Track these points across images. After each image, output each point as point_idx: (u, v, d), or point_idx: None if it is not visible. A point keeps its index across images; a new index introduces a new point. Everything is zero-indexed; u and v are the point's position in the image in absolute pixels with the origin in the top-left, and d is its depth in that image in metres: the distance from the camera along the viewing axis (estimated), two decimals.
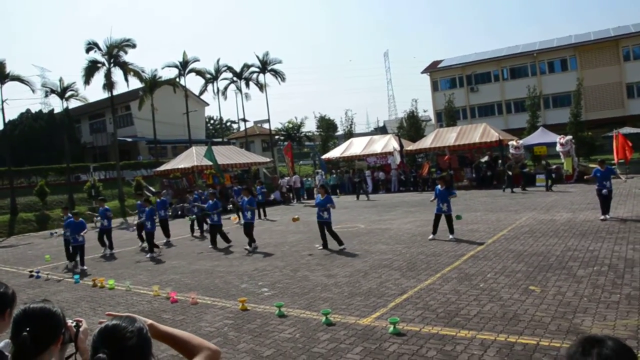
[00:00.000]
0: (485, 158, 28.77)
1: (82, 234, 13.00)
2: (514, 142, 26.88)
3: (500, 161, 27.53)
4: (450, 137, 29.91)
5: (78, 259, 13.22)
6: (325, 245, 12.27)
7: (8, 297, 2.24)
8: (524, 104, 39.90)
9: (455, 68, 50.79)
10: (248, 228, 13.50)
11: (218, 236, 14.42)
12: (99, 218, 16.14)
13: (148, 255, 13.71)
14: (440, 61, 53.90)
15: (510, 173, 23.52)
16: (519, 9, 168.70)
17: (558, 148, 25.70)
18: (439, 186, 12.71)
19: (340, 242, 12.00)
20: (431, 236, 12.38)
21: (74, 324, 2.05)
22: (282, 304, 7.32)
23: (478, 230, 13.10)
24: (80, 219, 13.54)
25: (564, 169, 25.74)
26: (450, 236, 12.10)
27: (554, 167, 25.63)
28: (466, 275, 8.39)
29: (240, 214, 17.71)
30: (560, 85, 44.35)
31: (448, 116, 41.31)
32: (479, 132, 28.94)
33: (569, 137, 26.13)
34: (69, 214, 14.18)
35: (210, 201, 15.01)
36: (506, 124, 45.14)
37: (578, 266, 8.32)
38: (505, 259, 9.40)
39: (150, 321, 1.85)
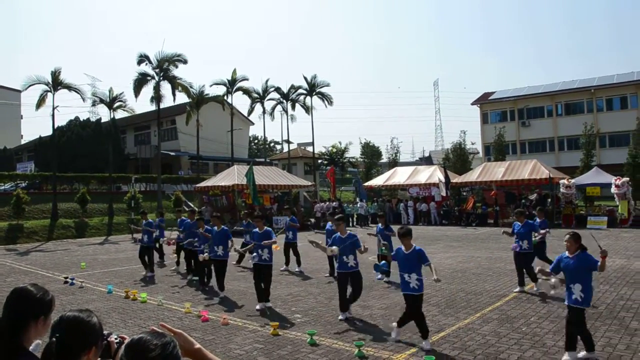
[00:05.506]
0: (534, 195, 27.83)
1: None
2: (565, 181, 25.98)
3: (549, 200, 26.61)
4: (498, 171, 29.25)
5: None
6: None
7: (44, 303, 2.23)
8: (578, 142, 38.61)
9: (506, 101, 49.85)
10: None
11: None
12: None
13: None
14: (492, 93, 53.07)
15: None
16: (576, 42, 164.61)
17: (613, 190, 24.52)
18: (380, 224, 12.02)
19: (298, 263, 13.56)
20: (380, 276, 11.50)
21: (118, 340, 2.02)
22: (314, 332, 7.18)
23: None
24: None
25: (619, 212, 24.52)
26: (381, 277, 11.45)
27: (607, 209, 24.61)
28: (508, 317, 8.02)
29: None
30: (618, 124, 42.54)
31: (497, 150, 40.44)
32: (529, 169, 28.18)
33: (626, 178, 24.93)
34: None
35: (288, 218, 14.94)
36: (557, 162, 43.65)
37: (632, 317, 7.78)
38: (550, 303, 8.93)
39: (198, 345, 1.90)
